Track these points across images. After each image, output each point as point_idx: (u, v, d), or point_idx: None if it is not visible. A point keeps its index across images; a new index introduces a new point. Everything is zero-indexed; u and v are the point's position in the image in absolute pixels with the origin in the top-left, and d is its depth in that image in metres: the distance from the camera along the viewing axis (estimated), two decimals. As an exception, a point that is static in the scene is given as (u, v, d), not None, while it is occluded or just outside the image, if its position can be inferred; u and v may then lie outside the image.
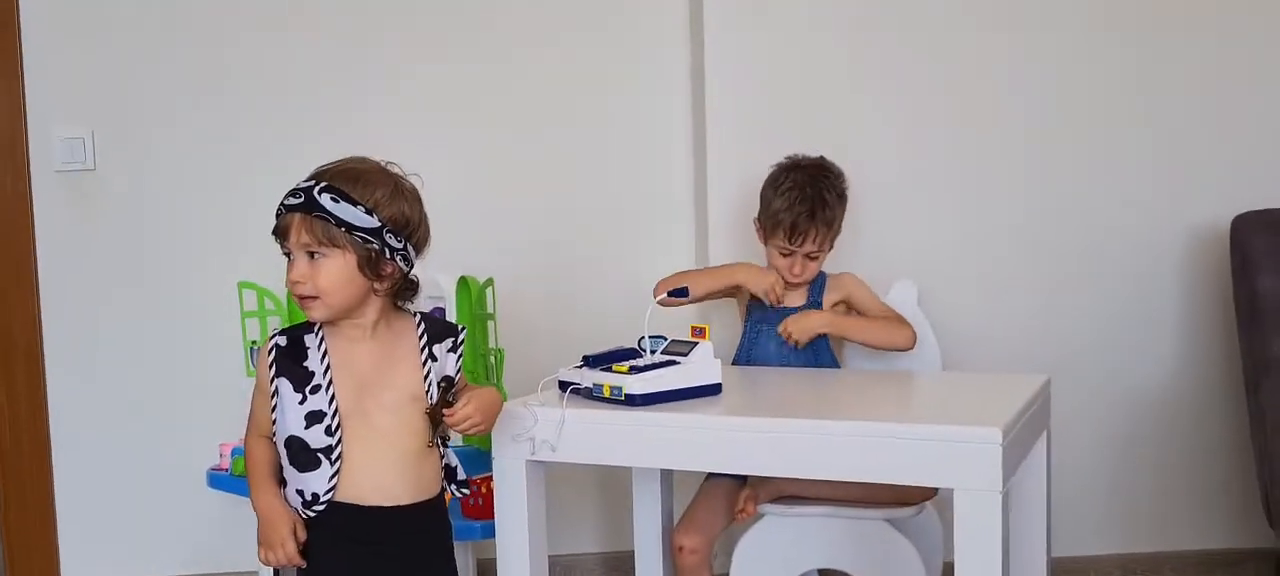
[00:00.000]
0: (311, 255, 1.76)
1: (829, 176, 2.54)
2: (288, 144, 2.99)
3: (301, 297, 1.78)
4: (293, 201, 1.75)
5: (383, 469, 1.81)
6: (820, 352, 2.54)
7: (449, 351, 1.86)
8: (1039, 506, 2.22)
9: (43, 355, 3.06)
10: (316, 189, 1.75)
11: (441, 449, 1.88)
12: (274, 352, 1.82)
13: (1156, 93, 2.93)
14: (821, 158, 2.58)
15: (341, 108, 3.01)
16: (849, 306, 2.58)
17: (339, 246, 1.75)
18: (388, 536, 1.82)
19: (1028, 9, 2.92)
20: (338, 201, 1.74)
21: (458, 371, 1.88)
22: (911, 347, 2.50)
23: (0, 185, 3.02)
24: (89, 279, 3.05)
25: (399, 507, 1.82)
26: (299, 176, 1.79)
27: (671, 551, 2.42)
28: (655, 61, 3.05)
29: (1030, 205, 2.95)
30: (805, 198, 2.47)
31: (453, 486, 1.92)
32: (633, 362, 2.06)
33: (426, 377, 1.82)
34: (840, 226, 2.58)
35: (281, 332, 1.84)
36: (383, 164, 1.82)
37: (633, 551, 2.53)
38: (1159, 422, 2.99)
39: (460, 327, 1.90)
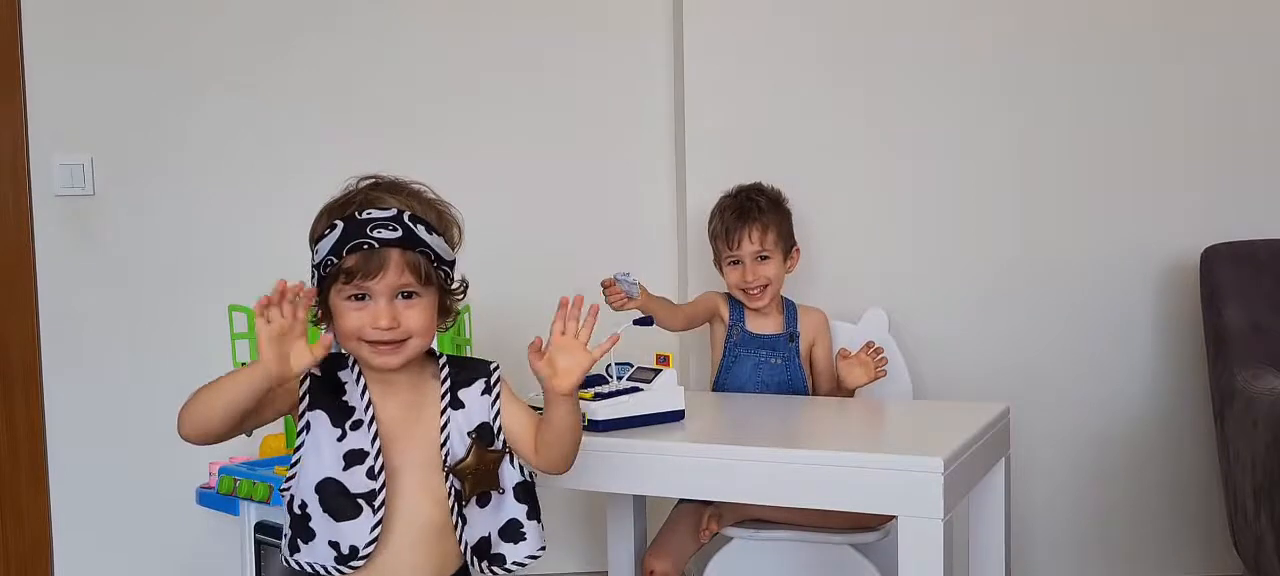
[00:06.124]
0: (400, 295, 1.52)
1: (759, 187, 2.65)
2: (282, 172, 3.08)
3: (382, 343, 1.52)
4: (389, 234, 1.47)
5: (399, 539, 1.54)
6: (794, 378, 2.60)
7: (482, 394, 1.60)
8: (997, 533, 2.26)
9: (41, 377, 3.13)
10: (408, 218, 1.50)
11: (464, 519, 1.57)
12: (308, 381, 1.54)
13: (1128, 125, 2.98)
14: (756, 183, 2.68)
15: (334, 137, 3.08)
16: (809, 347, 2.64)
17: (431, 285, 1.53)
18: None
19: (999, 42, 2.97)
20: (432, 233, 1.52)
21: (495, 416, 1.59)
22: None
23: (1, 209, 3.10)
24: (87, 301, 3.11)
25: None
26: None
27: (643, 574, 2.47)
28: (635, 91, 3.11)
29: (1003, 235, 2.99)
30: (735, 204, 2.62)
31: (482, 563, 1.57)
32: (597, 388, 2.11)
33: (444, 428, 1.57)
34: (792, 237, 2.64)
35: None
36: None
37: (607, 572, 2.58)
38: (1131, 452, 3.03)
39: (493, 365, 1.61)
